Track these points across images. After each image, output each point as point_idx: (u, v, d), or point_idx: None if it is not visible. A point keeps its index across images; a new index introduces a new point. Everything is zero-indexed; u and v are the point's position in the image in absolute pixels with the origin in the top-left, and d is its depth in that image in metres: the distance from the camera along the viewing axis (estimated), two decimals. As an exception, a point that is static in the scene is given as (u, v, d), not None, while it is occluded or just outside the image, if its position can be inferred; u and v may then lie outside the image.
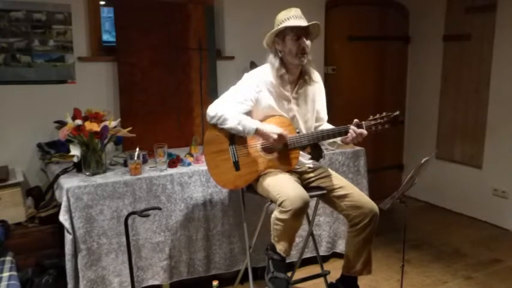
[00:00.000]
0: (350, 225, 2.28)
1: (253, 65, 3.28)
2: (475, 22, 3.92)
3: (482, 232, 3.81)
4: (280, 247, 2.11)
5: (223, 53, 3.61)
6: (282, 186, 2.11)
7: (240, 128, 2.21)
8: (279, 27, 2.22)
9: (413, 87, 4.64)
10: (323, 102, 2.50)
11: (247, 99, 2.27)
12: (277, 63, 2.27)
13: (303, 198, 2.03)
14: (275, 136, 2.19)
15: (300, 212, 2.03)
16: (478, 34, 3.90)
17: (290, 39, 2.21)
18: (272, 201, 2.18)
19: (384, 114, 2.17)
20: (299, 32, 2.20)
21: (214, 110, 2.27)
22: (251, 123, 2.21)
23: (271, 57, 2.30)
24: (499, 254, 3.36)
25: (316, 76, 2.41)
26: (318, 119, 2.48)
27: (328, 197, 2.32)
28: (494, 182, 3.90)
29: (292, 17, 2.21)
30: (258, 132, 2.21)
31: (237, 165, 2.30)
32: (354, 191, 2.28)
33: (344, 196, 2.26)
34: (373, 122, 2.18)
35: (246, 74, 2.36)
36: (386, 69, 4.56)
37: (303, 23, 2.20)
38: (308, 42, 2.23)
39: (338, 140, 2.29)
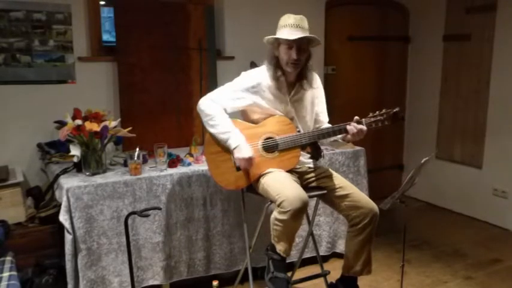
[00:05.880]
0: (350, 225, 2.28)
1: (253, 65, 3.28)
2: (475, 22, 3.92)
3: (482, 232, 3.81)
4: (280, 247, 2.12)
5: (223, 53, 3.61)
6: (281, 187, 2.11)
7: (224, 138, 2.24)
8: (272, 36, 2.23)
9: (413, 87, 4.64)
10: (323, 105, 2.50)
11: (240, 98, 2.28)
12: (273, 66, 2.27)
13: (302, 199, 2.03)
14: (244, 159, 2.19)
15: (298, 213, 2.02)
16: (478, 34, 3.90)
17: (283, 48, 2.22)
18: (272, 201, 2.18)
19: (384, 110, 2.16)
20: (291, 43, 2.18)
21: (206, 105, 2.28)
22: (234, 140, 2.22)
23: (269, 59, 2.29)
24: (499, 254, 3.36)
25: (316, 81, 2.40)
26: (317, 122, 2.48)
27: (328, 197, 2.32)
28: (494, 182, 3.90)
29: (289, 26, 2.19)
30: (234, 150, 2.22)
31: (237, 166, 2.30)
32: (354, 191, 2.28)
33: (344, 196, 2.26)
34: (373, 119, 2.17)
35: (243, 73, 2.36)
36: (386, 69, 4.56)
37: (298, 33, 2.16)
38: (301, 53, 2.20)
39: (339, 138, 2.29)
